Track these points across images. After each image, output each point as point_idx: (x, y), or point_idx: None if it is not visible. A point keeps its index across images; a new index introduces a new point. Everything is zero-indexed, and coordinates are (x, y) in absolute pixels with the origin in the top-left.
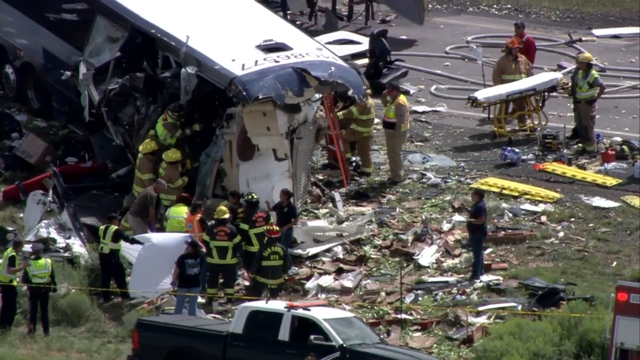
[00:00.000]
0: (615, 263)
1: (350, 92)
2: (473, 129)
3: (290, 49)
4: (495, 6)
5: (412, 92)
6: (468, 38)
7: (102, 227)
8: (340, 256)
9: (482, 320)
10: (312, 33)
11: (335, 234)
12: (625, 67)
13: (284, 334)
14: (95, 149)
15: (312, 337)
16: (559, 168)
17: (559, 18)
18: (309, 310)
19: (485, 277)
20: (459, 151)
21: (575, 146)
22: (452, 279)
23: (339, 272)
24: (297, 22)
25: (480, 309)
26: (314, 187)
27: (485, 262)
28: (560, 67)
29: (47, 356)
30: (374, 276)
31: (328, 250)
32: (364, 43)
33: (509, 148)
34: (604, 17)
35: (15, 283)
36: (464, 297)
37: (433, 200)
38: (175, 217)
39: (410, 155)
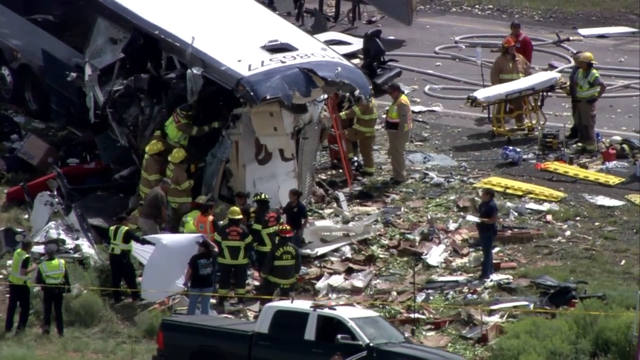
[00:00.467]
0: (623, 261)
1: (357, 92)
2: (471, 129)
3: (296, 49)
4: (477, 6)
5: (406, 92)
6: (456, 38)
7: (112, 228)
8: (349, 256)
9: (495, 319)
10: None
11: (341, 234)
12: (615, 66)
13: (310, 334)
14: (100, 150)
15: (339, 336)
16: (561, 167)
17: (543, 18)
18: (335, 309)
19: (495, 276)
20: (459, 151)
21: (575, 145)
22: (461, 278)
23: (349, 271)
24: None
25: (492, 307)
26: (318, 187)
27: (494, 261)
28: (551, 67)
29: (65, 357)
30: (383, 276)
31: (336, 250)
32: (355, 43)
33: (510, 147)
34: (586, 17)
35: (29, 284)
36: (475, 296)
37: (437, 200)
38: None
39: (411, 155)
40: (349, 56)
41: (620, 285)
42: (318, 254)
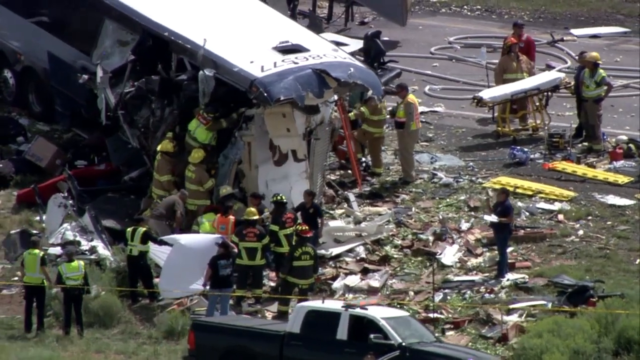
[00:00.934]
0: (638, 260)
1: (369, 93)
2: (475, 129)
3: (307, 50)
4: (465, 7)
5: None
6: (450, 39)
7: (129, 230)
8: (363, 256)
9: (513, 318)
10: None
11: (354, 234)
12: (613, 66)
13: (342, 333)
14: (110, 152)
15: (371, 336)
16: (569, 167)
17: (532, 18)
18: (367, 309)
19: (511, 276)
20: (465, 151)
21: (580, 145)
22: (477, 277)
23: (365, 272)
24: None
25: (512, 306)
26: (327, 188)
27: (508, 261)
28: (549, 67)
29: (88, 358)
30: (399, 276)
31: (350, 250)
32: (351, 45)
33: (518, 147)
34: (574, 17)
35: (45, 283)
36: (492, 295)
37: (448, 200)
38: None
39: (418, 155)
40: None
41: (636, 284)
42: (333, 254)
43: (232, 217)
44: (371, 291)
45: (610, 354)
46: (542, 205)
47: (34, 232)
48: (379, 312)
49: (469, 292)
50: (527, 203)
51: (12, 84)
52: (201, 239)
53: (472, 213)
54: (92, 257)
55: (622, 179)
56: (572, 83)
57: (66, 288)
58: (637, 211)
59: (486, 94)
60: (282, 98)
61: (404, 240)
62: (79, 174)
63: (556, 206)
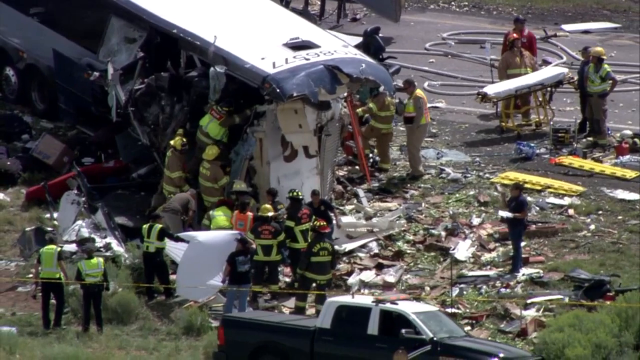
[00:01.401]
0: None
1: (381, 89)
2: (478, 124)
3: (318, 46)
4: (453, 3)
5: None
6: (444, 35)
7: (145, 226)
8: (376, 251)
9: (531, 312)
10: None
11: (366, 230)
12: (609, 61)
13: (372, 328)
14: (120, 149)
15: (403, 331)
16: (576, 161)
17: (521, 14)
18: (397, 304)
19: (525, 270)
20: (470, 146)
21: (584, 140)
22: (492, 272)
23: (379, 267)
24: None
25: (530, 301)
26: (336, 184)
27: (522, 256)
28: (546, 62)
29: (112, 354)
30: (413, 271)
31: (363, 246)
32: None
33: (524, 142)
34: (561, 12)
35: (62, 279)
36: (508, 290)
37: (457, 195)
38: (220, 215)
39: (424, 150)
40: None
41: None
42: (346, 250)
43: (250, 214)
44: (386, 286)
45: (632, 347)
46: (552, 200)
47: (49, 229)
48: (409, 307)
49: (484, 287)
50: (536, 198)
51: (14, 81)
52: (219, 236)
53: (482, 208)
54: (107, 254)
55: (630, 174)
56: (576, 78)
57: (85, 285)
58: None
59: (491, 89)
60: (295, 94)
61: (416, 236)
62: (87, 171)
63: (566, 201)
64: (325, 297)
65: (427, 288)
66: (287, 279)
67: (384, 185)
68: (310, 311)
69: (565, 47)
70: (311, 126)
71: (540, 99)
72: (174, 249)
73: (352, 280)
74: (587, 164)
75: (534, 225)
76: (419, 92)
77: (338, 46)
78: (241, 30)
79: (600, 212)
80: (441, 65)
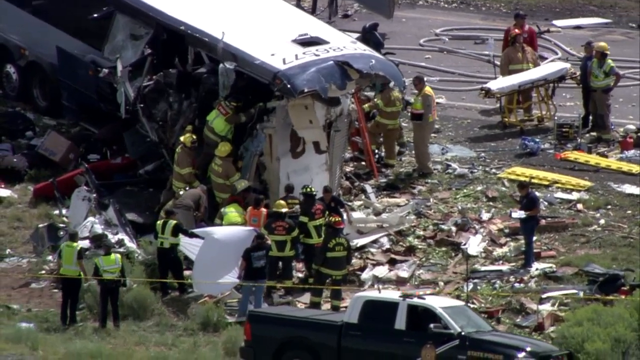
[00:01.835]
0: None
1: (391, 84)
2: (479, 120)
3: (327, 42)
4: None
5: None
6: (437, 31)
7: (159, 222)
8: (387, 247)
9: (546, 307)
10: None
11: (376, 226)
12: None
13: (400, 323)
14: (128, 146)
15: (431, 325)
16: (581, 156)
17: (510, 10)
18: (424, 298)
19: (538, 265)
20: (474, 142)
21: (588, 135)
22: (505, 267)
23: (392, 262)
24: None
25: (545, 295)
26: (344, 180)
27: (535, 250)
28: (541, 58)
29: (132, 350)
30: (425, 266)
31: (374, 241)
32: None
33: (529, 138)
34: (549, 8)
35: (82, 276)
36: (522, 285)
37: (465, 191)
38: (232, 212)
39: (429, 146)
40: None
41: None
42: (358, 245)
43: (264, 210)
44: (400, 282)
45: None
46: (560, 195)
47: (61, 225)
48: (437, 302)
49: (498, 281)
50: (544, 193)
51: (15, 79)
52: (234, 232)
53: (491, 203)
54: (121, 250)
55: (637, 168)
56: (578, 73)
57: (103, 281)
58: None
59: (494, 84)
60: (306, 90)
61: (426, 231)
62: (94, 167)
63: (574, 196)
64: (340, 292)
65: (441, 283)
66: (300, 275)
67: (390, 181)
68: (325, 306)
69: (559, 43)
70: (321, 122)
71: (543, 94)
72: (188, 245)
73: (365, 275)
74: (593, 159)
75: (544, 220)
76: (428, 90)
77: (347, 42)
78: (248, 26)
79: (609, 206)
80: (437, 61)
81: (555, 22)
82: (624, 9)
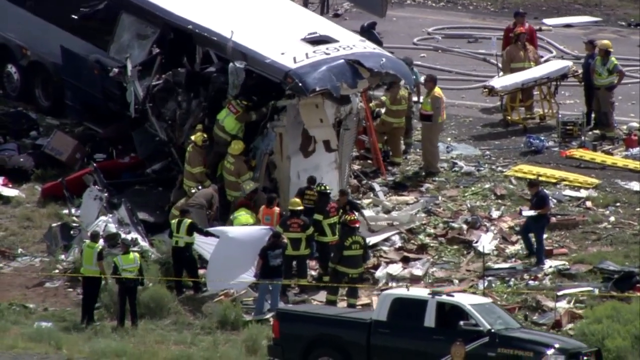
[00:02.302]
0: None
1: (402, 83)
2: (481, 118)
3: (336, 41)
4: None
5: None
6: (429, 30)
7: (174, 221)
8: (399, 245)
9: (562, 304)
10: None
11: (386, 224)
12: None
13: (429, 320)
14: (136, 145)
15: (461, 322)
16: (587, 154)
17: (498, 9)
18: (453, 296)
19: (551, 262)
20: (478, 140)
21: (591, 132)
22: (518, 265)
23: (405, 260)
24: None
25: (560, 293)
26: (352, 178)
27: (546, 248)
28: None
29: (154, 348)
30: (438, 264)
31: (386, 239)
32: None
33: (534, 135)
34: (535, 7)
35: (103, 276)
36: (536, 282)
37: (473, 188)
38: (242, 214)
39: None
40: None
41: None
42: (370, 243)
43: (277, 209)
44: (414, 279)
45: None
46: (568, 192)
47: (74, 224)
48: (466, 299)
49: (513, 279)
50: (552, 191)
51: (16, 78)
52: (249, 231)
53: (500, 201)
54: (135, 249)
55: None
56: (580, 71)
57: (121, 280)
58: None
59: (497, 83)
60: (317, 89)
61: (436, 229)
62: (102, 167)
63: (582, 193)
64: (357, 290)
65: (456, 281)
66: (313, 273)
67: (398, 178)
68: (342, 304)
69: (552, 41)
70: (330, 120)
71: (545, 92)
72: (202, 244)
73: (379, 273)
74: (598, 157)
75: (554, 218)
76: (438, 91)
77: (356, 40)
78: (256, 25)
79: (617, 204)
80: (433, 60)
81: (545, 20)
82: (609, 7)
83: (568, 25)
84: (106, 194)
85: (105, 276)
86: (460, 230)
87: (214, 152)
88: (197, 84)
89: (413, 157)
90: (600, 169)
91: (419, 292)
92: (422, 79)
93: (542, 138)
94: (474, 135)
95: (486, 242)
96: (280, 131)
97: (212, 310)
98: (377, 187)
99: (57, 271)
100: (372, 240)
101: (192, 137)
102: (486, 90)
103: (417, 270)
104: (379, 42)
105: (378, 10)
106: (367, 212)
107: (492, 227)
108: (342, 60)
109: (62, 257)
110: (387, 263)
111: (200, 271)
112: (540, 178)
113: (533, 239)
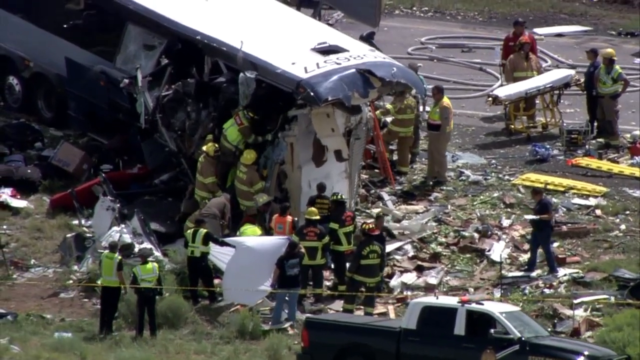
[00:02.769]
0: None
1: (413, 92)
2: (483, 127)
3: (346, 50)
4: (414, 8)
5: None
6: (422, 39)
7: (189, 232)
8: (411, 254)
9: (579, 312)
10: None
11: (397, 233)
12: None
13: (459, 329)
14: (146, 155)
15: (492, 330)
16: (593, 162)
17: (486, 19)
18: (483, 304)
19: (566, 270)
20: (482, 149)
21: (594, 141)
22: (533, 273)
23: (419, 269)
24: None
25: (577, 301)
26: (360, 187)
27: (560, 256)
28: None
29: (174, 358)
30: (452, 273)
31: (398, 248)
32: None
33: (540, 144)
34: (522, 17)
35: (122, 286)
36: (552, 290)
37: (481, 197)
38: (247, 229)
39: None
40: None
41: None
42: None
43: (289, 217)
44: (428, 288)
45: None
46: (577, 200)
47: (88, 235)
48: (495, 307)
49: (528, 287)
50: (561, 199)
51: (18, 90)
52: (266, 241)
53: (509, 210)
54: (150, 259)
55: None
56: (582, 80)
57: (140, 290)
58: None
59: (502, 92)
60: (330, 98)
61: (447, 238)
62: (111, 177)
63: (592, 201)
64: (374, 299)
65: (471, 289)
66: (327, 283)
67: (405, 188)
68: (359, 313)
69: (545, 50)
70: (341, 130)
71: (548, 101)
72: (218, 254)
73: (394, 282)
74: (605, 165)
75: (565, 227)
76: (446, 101)
77: (365, 50)
78: (264, 35)
79: (627, 212)
80: (429, 69)
81: (536, 30)
82: (594, 16)
83: (559, 35)
84: (118, 205)
85: (125, 286)
86: (472, 238)
87: (221, 162)
88: (207, 94)
89: (419, 166)
90: (607, 177)
91: (448, 300)
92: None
93: (548, 146)
94: (478, 144)
95: (498, 250)
96: (291, 141)
97: (229, 319)
98: (385, 197)
99: (71, 282)
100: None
101: (204, 148)
102: (490, 99)
103: (432, 278)
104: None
105: (371, 20)
106: None
107: (504, 236)
108: (353, 70)
109: (75, 267)
110: (402, 272)
111: (215, 281)
112: (548, 186)
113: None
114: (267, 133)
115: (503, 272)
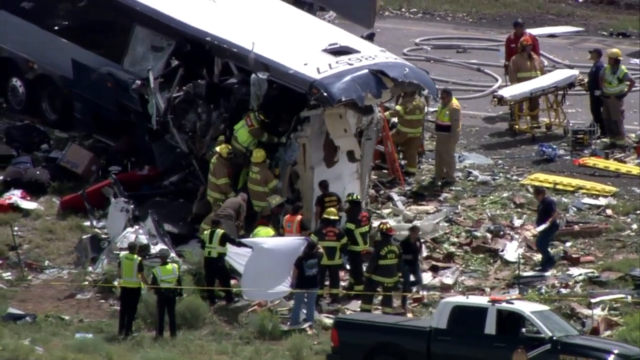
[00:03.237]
0: None
1: (425, 92)
2: (487, 127)
3: (358, 51)
4: (403, 9)
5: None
6: (416, 40)
7: (206, 232)
8: (425, 254)
9: (596, 312)
10: None
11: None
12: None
13: (490, 328)
14: (156, 157)
15: (523, 330)
16: (600, 162)
17: (475, 20)
18: (513, 303)
19: (581, 270)
20: (488, 149)
21: (599, 140)
22: (548, 273)
23: (434, 269)
24: None
25: (594, 300)
26: (370, 188)
27: (573, 256)
28: None
29: (196, 358)
30: (467, 272)
31: None
32: None
33: (547, 144)
34: (511, 17)
35: (143, 286)
36: (568, 290)
37: (491, 197)
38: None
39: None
40: None
41: None
42: None
43: (299, 216)
44: (444, 288)
45: None
46: (587, 200)
47: (103, 237)
48: (525, 306)
49: (544, 287)
50: (571, 199)
51: (21, 92)
52: (284, 242)
53: (519, 210)
54: (169, 260)
55: None
56: (586, 80)
57: (160, 291)
58: None
59: (507, 92)
60: (343, 99)
61: (459, 238)
62: (120, 179)
63: (602, 201)
64: (391, 299)
65: (487, 289)
66: (343, 283)
67: (414, 188)
68: (376, 313)
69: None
70: (353, 130)
71: (552, 101)
72: (234, 255)
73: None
74: (612, 165)
75: (576, 226)
76: (455, 103)
77: (377, 51)
78: (275, 36)
79: (638, 212)
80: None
81: (529, 30)
82: (582, 17)
83: (552, 35)
84: (132, 206)
85: (147, 286)
86: (484, 238)
87: (232, 163)
88: (217, 95)
89: (426, 166)
90: (615, 177)
91: (478, 299)
92: None
93: (555, 146)
94: (483, 144)
95: (511, 250)
96: (303, 142)
97: (248, 320)
98: (395, 197)
99: (86, 283)
100: None
101: (217, 149)
102: (495, 99)
103: (447, 278)
104: None
105: (366, 21)
106: (392, 222)
107: (516, 236)
108: (366, 71)
109: (90, 268)
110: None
111: (232, 282)
112: (557, 186)
113: (560, 247)
114: (282, 135)
115: (517, 272)
